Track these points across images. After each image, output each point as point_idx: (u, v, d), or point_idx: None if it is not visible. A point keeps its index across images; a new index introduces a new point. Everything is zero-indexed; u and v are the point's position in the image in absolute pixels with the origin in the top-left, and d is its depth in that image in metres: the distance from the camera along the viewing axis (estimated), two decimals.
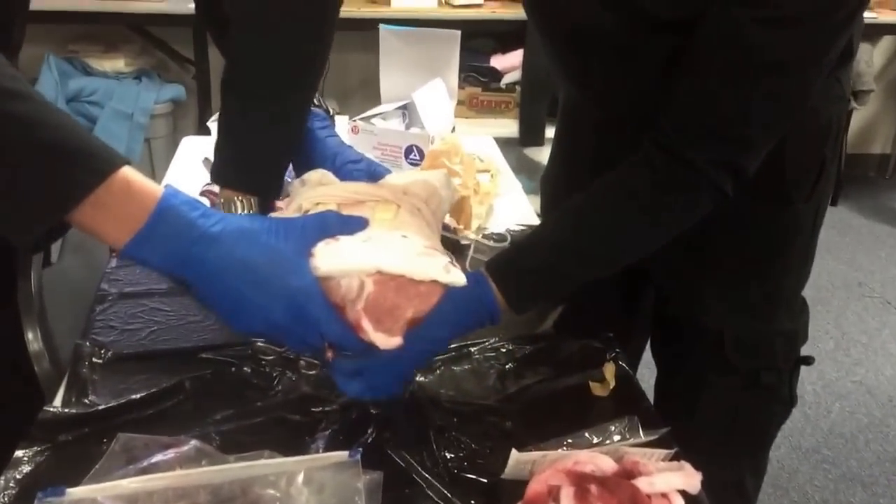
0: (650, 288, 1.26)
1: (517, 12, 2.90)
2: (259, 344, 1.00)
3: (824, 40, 0.80)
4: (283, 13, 0.88)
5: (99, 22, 2.95)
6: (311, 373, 0.96)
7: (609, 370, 0.98)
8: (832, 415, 2.40)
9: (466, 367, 1.01)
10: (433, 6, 2.99)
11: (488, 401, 0.94)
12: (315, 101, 0.97)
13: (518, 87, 3.12)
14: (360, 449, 0.74)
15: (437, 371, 0.99)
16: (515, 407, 0.94)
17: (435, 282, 0.77)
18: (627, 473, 0.77)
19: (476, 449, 0.87)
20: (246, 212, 0.89)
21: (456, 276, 0.78)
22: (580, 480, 0.74)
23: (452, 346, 1.03)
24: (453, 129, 1.74)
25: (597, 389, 0.97)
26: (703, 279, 1.09)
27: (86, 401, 0.91)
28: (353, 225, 0.78)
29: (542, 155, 3.03)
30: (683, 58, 0.84)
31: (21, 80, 0.64)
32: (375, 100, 1.75)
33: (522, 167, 2.93)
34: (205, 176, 1.32)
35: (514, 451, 0.78)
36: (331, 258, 0.73)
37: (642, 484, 0.74)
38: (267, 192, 0.94)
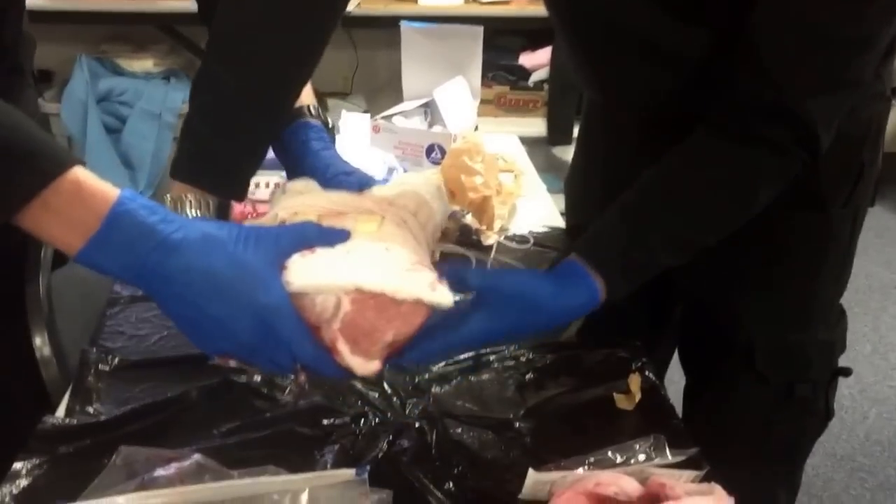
0: (678, 295, 1.21)
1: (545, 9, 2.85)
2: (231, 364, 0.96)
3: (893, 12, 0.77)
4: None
5: (128, 22, 2.96)
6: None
7: (634, 382, 0.94)
8: (868, 420, 2.33)
9: (485, 377, 0.97)
10: (460, 3, 2.95)
11: (507, 414, 0.90)
12: (313, 111, 0.92)
13: (546, 86, 3.08)
14: (368, 467, 0.71)
15: (454, 381, 0.96)
16: (535, 421, 0.90)
17: (419, 301, 0.69)
18: (653, 497, 0.72)
19: (492, 466, 0.83)
20: (198, 215, 0.82)
21: (442, 296, 0.70)
22: None
23: (470, 354, 0.99)
24: (476, 127, 1.70)
25: (622, 402, 0.93)
26: (734, 287, 1.04)
27: (90, 409, 0.89)
28: (334, 237, 0.71)
29: (570, 154, 2.96)
30: (739, 41, 0.81)
31: None
32: (402, 98, 1.72)
33: (550, 166, 2.89)
34: None
35: (531, 471, 0.74)
36: (305, 273, 0.67)
37: None
38: (229, 192, 0.87)
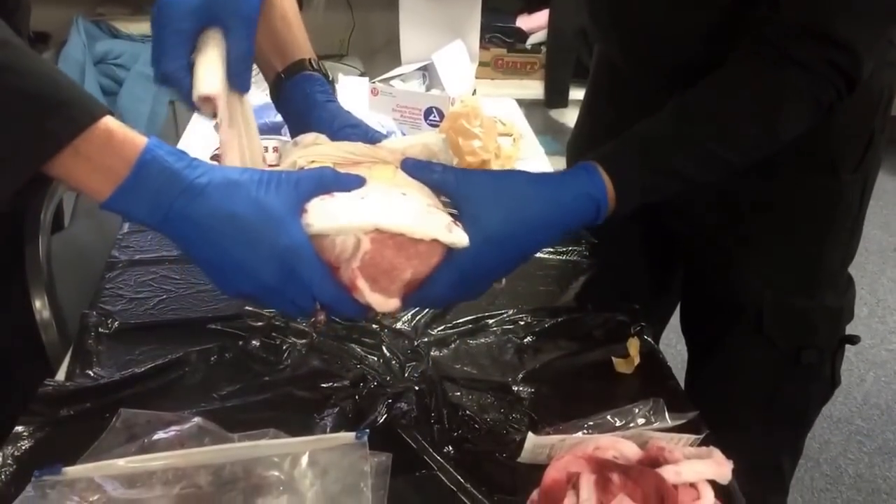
0: (680, 257, 1.20)
1: None
2: (264, 313, 0.96)
3: None
4: None
5: None
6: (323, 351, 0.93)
7: (634, 346, 0.94)
8: (866, 384, 2.33)
9: (483, 340, 0.97)
10: None
11: (505, 378, 0.90)
12: (314, 64, 0.91)
13: (543, 48, 3.05)
14: (367, 430, 0.71)
15: (452, 345, 0.96)
16: (534, 384, 0.89)
17: (436, 241, 0.71)
18: (652, 461, 0.72)
19: (491, 430, 0.83)
20: None
21: (458, 236, 0.71)
22: (601, 468, 0.70)
23: (469, 317, 0.99)
24: (474, 91, 1.69)
25: (620, 366, 0.93)
26: (742, 251, 1.04)
27: (90, 373, 0.89)
28: (351, 182, 0.72)
29: (567, 117, 2.98)
30: None
31: (1, 27, 0.60)
32: (400, 61, 1.70)
33: (548, 129, 2.88)
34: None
35: (530, 435, 0.74)
36: (325, 215, 0.68)
37: (668, 473, 0.69)
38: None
